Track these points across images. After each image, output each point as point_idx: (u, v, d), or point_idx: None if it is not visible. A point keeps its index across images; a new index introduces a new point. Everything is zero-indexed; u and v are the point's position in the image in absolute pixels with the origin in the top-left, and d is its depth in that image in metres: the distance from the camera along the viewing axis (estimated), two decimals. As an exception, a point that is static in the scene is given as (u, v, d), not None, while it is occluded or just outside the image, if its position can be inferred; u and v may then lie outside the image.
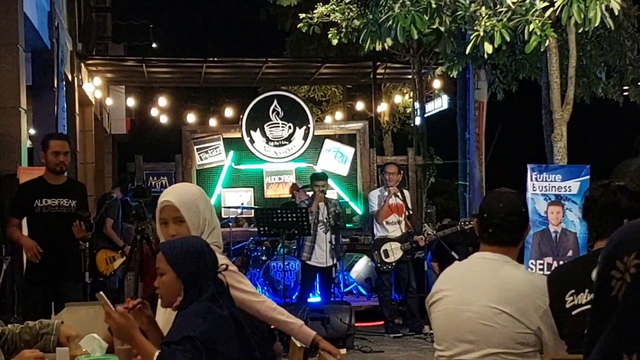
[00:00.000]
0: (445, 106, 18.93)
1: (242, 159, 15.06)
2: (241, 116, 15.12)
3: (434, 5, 9.65)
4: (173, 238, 3.86)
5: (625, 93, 13.52)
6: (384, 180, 11.60)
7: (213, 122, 20.58)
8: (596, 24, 8.99)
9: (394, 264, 11.28)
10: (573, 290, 3.55)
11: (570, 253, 9.36)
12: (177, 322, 3.44)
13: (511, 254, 3.73)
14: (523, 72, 13.50)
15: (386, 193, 11.31)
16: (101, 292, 3.59)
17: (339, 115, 23.19)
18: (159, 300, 3.94)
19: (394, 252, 11.18)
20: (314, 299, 11.56)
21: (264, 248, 13.08)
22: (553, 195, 9.53)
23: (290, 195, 13.77)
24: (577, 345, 3.42)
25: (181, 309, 3.47)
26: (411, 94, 18.22)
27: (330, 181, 14.12)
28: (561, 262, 8.65)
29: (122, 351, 3.58)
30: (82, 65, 16.54)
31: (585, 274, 3.42)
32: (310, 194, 12.02)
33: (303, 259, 11.38)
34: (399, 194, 11.28)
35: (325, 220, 11.25)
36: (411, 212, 11.52)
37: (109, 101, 20.48)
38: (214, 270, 3.56)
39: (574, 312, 3.51)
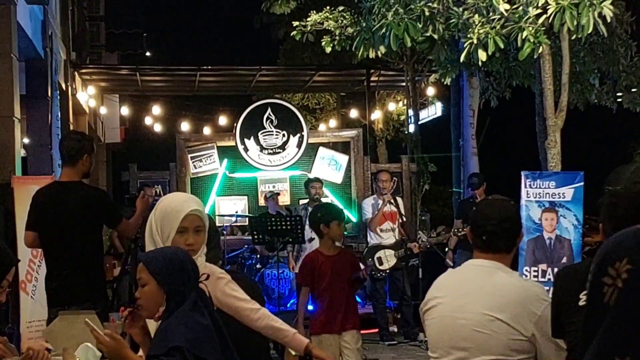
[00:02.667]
0: (439, 113, 18.94)
1: (236, 167, 15.06)
2: (235, 124, 15.13)
3: (427, 13, 9.66)
4: (149, 250, 3.86)
5: (619, 99, 13.53)
6: (377, 187, 11.59)
7: (207, 130, 20.56)
8: (589, 31, 9.00)
9: (387, 271, 11.27)
10: None
11: (564, 260, 9.35)
12: (161, 332, 3.41)
13: (504, 260, 3.74)
14: (516, 79, 13.53)
15: (380, 201, 11.30)
16: (87, 319, 3.58)
17: (332, 122, 23.21)
18: None
19: (388, 259, 11.17)
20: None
21: (258, 256, 13.06)
22: (547, 202, 9.53)
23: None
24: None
25: (164, 319, 3.46)
26: (405, 101, 18.23)
27: (324, 189, 14.12)
28: (555, 269, 8.64)
29: None
30: (76, 74, 16.53)
31: None
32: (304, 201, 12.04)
33: (294, 270, 11.47)
34: (392, 201, 11.28)
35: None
36: (405, 220, 11.51)
37: (103, 110, 20.46)
38: (195, 279, 3.55)
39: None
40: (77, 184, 6.54)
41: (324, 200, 12.65)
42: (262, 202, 14.86)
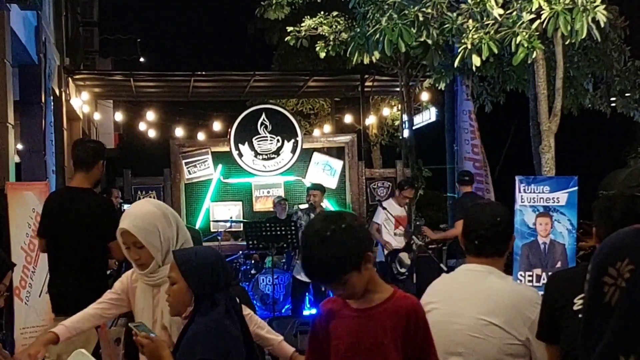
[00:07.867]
0: (433, 118, 18.96)
1: (231, 172, 15.06)
2: (229, 130, 15.13)
3: (421, 18, 9.66)
4: (183, 248, 3.86)
5: (613, 104, 13.55)
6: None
7: (201, 136, 20.57)
8: (583, 36, 9.00)
9: (407, 273, 11.32)
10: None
11: (558, 264, 9.35)
12: (190, 338, 3.41)
13: (497, 264, 3.73)
14: (510, 84, 13.55)
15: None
16: (129, 323, 3.61)
17: (327, 128, 23.23)
18: (140, 283, 4.05)
19: (405, 261, 11.28)
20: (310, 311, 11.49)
21: (253, 262, 13.04)
22: (541, 206, 9.53)
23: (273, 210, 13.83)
24: (575, 349, 3.38)
25: (191, 320, 3.45)
26: (399, 106, 18.24)
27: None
28: (550, 274, 8.64)
29: None
30: (70, 79, 16.52)
31: None
32: (303, 206, 12.04)
33: (294, 274, 11.41)
34: (405, 206, 11.57)
35: None
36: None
37: (96, 116, 20.45)
38: (226, 284, 3.52)
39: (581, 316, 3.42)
40: (87, 192, 6.48)
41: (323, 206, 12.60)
42: (256, 207, 14.89)
